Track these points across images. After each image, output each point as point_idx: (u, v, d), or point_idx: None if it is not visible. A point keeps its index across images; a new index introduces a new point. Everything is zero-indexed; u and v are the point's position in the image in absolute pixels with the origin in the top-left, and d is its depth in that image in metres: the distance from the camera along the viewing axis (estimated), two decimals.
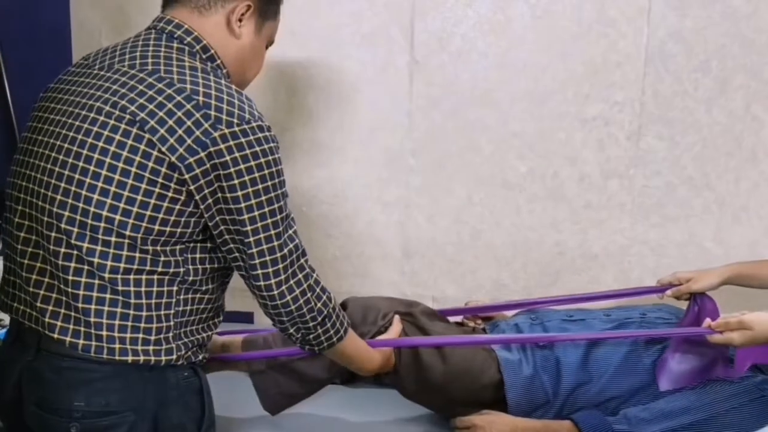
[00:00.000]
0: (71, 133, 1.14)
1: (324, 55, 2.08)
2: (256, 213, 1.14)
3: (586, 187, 2.05)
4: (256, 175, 1.13)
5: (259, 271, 1.17)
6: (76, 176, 1.12)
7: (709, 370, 1.56)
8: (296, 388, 1.62)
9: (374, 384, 1.78)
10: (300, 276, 1.20)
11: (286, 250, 1.18)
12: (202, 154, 1.10)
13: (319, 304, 1.23)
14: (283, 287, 1.19)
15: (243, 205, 1.14)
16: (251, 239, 1.15)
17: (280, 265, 1.18)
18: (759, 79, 1.93)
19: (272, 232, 1.16)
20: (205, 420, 1.23)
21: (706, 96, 1.96)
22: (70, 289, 1.12)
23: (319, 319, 1.24)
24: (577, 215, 2.07)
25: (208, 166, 1.11)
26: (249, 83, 1.35)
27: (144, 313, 1.14)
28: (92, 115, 1.13)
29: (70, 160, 1.13)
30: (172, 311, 1.17)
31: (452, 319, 1.83)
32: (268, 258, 1.17)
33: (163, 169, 1.10)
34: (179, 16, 1.23)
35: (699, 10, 1.92)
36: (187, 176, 1.11)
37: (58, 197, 1.13)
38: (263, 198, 1.15)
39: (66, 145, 1.14)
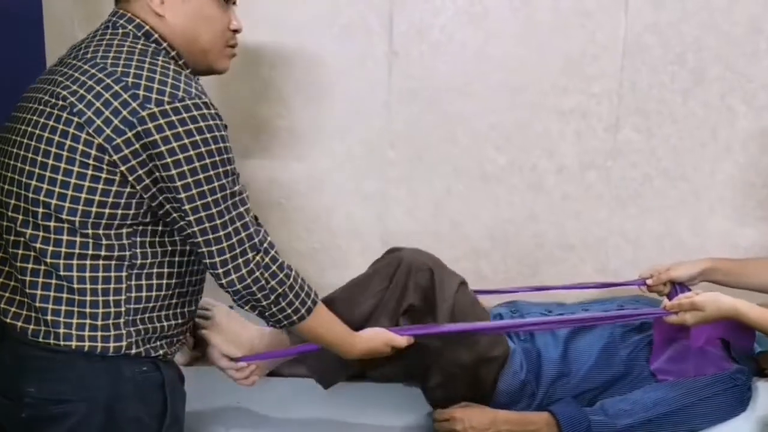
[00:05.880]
0: (22, 126, 1.19)
1: (301, 46, 2.06)
2: (195, 191, 1.14)
3: (564, 178, 2.06)
4: (192, 152, 1.13)
5: (204, 249, 1.17)
6: (19, 164, 1.17)
7: (701, 368, 1.60)
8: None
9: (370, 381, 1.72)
10: (249, 255, 1.19)
11: (231, 229, 1.17)
12: (130, 134, 1.11)
13: (272, 282, 1.21)
14: (229, 266, 1.18)
15: (179, 183, 1.13)
16: (192, 218, 1.15)
17: (225, 244, 1.17)
18: (734, 70, 1.95)
19: (214, 210, 1.15)
20: (167, 416, 1.23)
21: (682, 87, 1.97)
22: (20, 276, 1.16)
23: (272, 297, 1.22)
24: (555, 207, 2.07)
25: (137, 146, 1.12)
26: (212, 50, 1.28)
27: (89, 298, 1.15)
28: (36, 106, 1.18)
29: (15, 151, 1.18)
30: (123, 297, 1.17)
31: None
32: (211, 236, 1.16)
33: (93, 152, 1.12)
34: (123, 6, 1.26)
35: (675, 3, 1.93)
36: (116, 157, 1.12)
37: (6, 186, 1.19)
38: (201, 176, 1.14)
39: (17, 138, 1.19)
